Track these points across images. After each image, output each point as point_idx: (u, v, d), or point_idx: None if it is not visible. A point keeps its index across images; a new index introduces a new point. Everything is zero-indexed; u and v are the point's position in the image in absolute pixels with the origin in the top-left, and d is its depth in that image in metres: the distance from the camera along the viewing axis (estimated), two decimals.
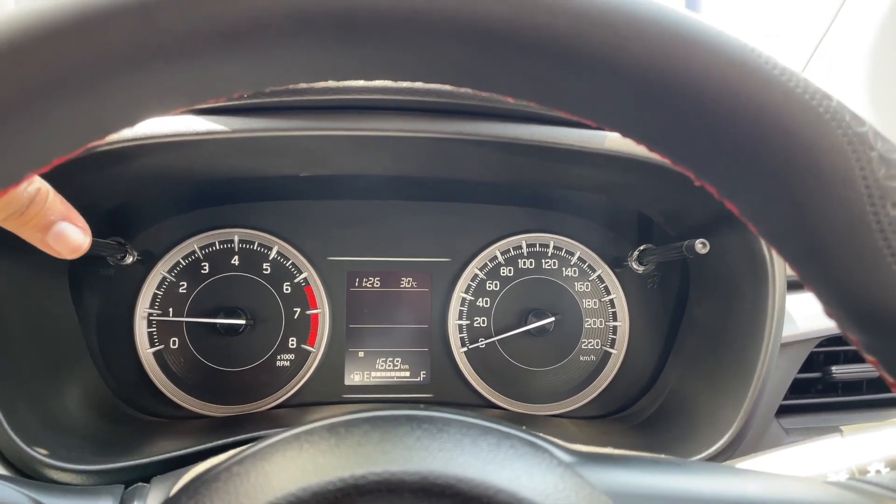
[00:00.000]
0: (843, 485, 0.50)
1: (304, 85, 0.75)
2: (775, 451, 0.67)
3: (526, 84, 0.37)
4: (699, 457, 0.88)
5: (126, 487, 0.73)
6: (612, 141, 0.79)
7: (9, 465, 0.83)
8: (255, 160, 0.84)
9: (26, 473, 0.82)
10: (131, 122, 0.35)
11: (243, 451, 0.45)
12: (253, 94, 0.76)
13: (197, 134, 0.76)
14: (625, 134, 0.39)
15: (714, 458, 0.88)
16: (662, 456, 0.59)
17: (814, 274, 0.40)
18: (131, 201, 0.99)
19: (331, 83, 0.75)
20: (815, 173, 0.36)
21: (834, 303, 0.40)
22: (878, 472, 0.63)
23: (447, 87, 0.73)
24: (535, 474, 0.43)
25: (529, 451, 0.46)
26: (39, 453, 0.80)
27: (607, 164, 0.81)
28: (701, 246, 0.86)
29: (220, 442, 0.85)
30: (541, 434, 0.52)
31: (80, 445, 0.88)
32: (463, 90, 0.74)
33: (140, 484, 0.73)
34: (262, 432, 0.91)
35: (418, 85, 0.73)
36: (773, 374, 0.95)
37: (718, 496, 0.49)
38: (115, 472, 0.81)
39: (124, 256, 1.00)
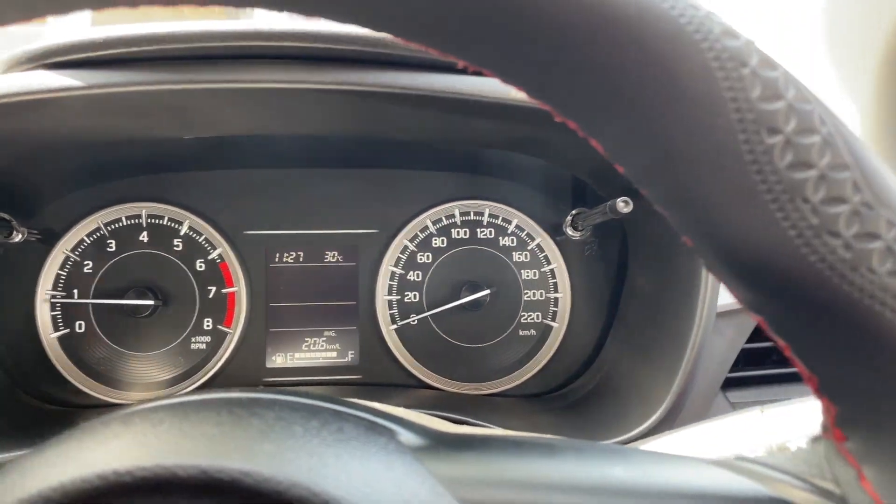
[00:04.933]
0: (726, 464, 0.43)
1: (171, 32, 0.67)
2: (691, 428, 0.60)
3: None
4: (630, 434, 0.81)
5: None
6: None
7: None
8: (123, 121, 0.76)
9: None
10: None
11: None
12: (115, 44, 0.68)
13: (49, 91, 0.68)
14: (469, 61, 0.33)
15: (646, 435, 0.81)
16: (547, 436, 0.52)
17: (684, 219, 0.33)
18: (13, 174, 0.91)
19: (198, 29, 0.67)
20: (675, 97, 0.30)
21: (709, 253, 0.34)
22: (799, 448, 0.56)
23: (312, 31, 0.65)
24: (353, 463, 0.36)
25: (360, 435, 0.39)
26: None
27: (511, 116, 0.73)
28: (623, 205, 0.78)
29: None
30: (398, 413, 0.45)
31: None
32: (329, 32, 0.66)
33: None
34: None
35: (285, 30, 0.65)
36: (715, 344, 0.88)
37: (584, 482, 0.42)
38: None
39: (10, 234, 0.92)
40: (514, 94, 0.72)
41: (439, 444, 0.44)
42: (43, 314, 1.02)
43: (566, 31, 0.28)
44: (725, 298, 0.87)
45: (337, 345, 1.08)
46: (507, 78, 0.33)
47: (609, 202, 0.79)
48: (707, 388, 0.93)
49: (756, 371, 0.99)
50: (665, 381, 0.82)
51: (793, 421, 0.56)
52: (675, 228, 0.34)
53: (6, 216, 0.91)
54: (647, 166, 0.33)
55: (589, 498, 0.41)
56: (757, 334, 0.98)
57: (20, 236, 0.94)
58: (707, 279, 0.79)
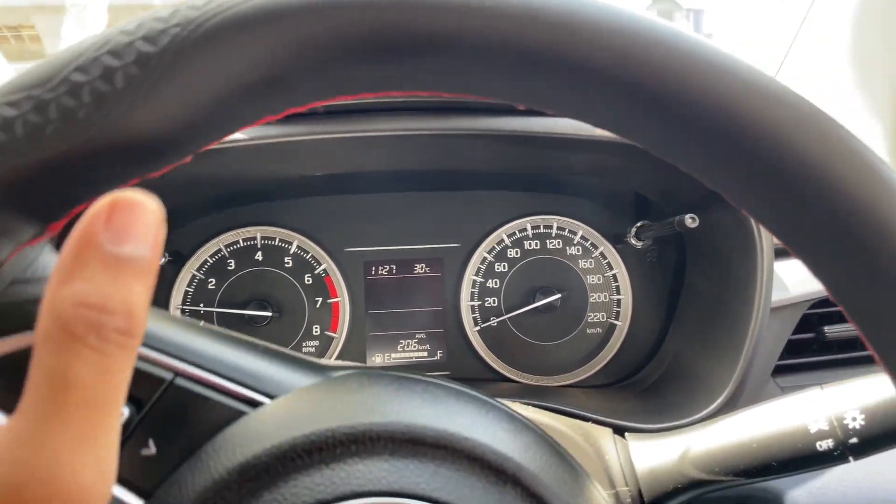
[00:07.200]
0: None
1: None
2: (757, 407, 0.73)
3: (572, 104, 0.39)
4: (699, 415, 0.95)
5: None
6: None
7: None
8: (272, 164, 0.91)
9: None
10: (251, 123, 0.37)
11: None
12: None
13: (223, 143, 0.83)
14: (651, 150, 0.38)
15: (714, 415, 0.95)
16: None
17: (818, 263, 0.42)
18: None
19: None
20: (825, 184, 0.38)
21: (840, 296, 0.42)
22: (853, 419, 0.69)
23: None
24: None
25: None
26: None
27: (601, 149, 0.87)
28: (690, 220, 0.92)
29: None
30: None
31: None
32: None
33: None
34: None
35: None
36: (766, 337, 1.02)
37: None
38: None
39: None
40: (601, 132, 0.86)
41: None
42: None
43: (736, 135, 0.33)
44: (774, 296, 1.01)
45: (427, 345, 1.23)
46: (676, 161, 0.41)
47: (677, 218, 0.94)
48: (760, 375, 1.07)
49: (801, 359, 1.13)
50: (727, 369, 0.96)
51: (855, 395, 0.69)
52: (811, 270, 0.42)
53: None
54: (796, 235, 0.41)
55: None
56: (799, 327, 1.12)
57: (163, 260, 1.10)
58: (763, 281, 0.93)
